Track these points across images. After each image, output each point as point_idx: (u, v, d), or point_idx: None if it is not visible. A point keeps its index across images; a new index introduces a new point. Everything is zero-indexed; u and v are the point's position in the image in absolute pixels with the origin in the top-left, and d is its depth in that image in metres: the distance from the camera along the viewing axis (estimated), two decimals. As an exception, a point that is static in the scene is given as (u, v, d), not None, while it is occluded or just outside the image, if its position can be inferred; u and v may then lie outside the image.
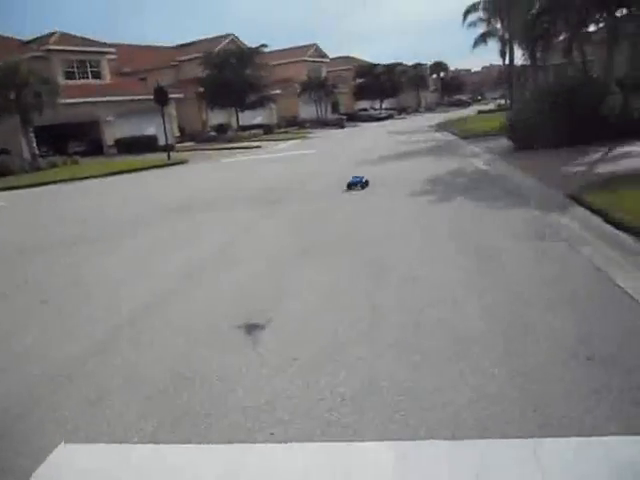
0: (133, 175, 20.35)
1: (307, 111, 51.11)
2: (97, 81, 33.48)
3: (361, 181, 11.23)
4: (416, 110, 66.36)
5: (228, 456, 2.81)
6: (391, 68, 59.07)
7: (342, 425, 2.95)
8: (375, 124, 46.39)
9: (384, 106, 59.85)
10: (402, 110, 62.04)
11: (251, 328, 4.38)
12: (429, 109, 68.37)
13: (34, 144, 25.92)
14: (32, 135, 25.86)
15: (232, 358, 3.89)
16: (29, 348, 4.49)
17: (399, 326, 4.19)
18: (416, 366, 3.52)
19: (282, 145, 29.53)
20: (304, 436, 2.89)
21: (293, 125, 46.97)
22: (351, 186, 11.09)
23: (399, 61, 63.34)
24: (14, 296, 6.10)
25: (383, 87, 56.67)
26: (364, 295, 4.97)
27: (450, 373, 3.39)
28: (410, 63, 67.58)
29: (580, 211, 7.56)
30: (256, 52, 38.94)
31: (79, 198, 15.42)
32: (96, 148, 31.92)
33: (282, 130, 43.03)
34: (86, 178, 19.85)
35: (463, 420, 2.89)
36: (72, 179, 19.76)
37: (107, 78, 34.39)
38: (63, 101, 26.02)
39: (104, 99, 31.52)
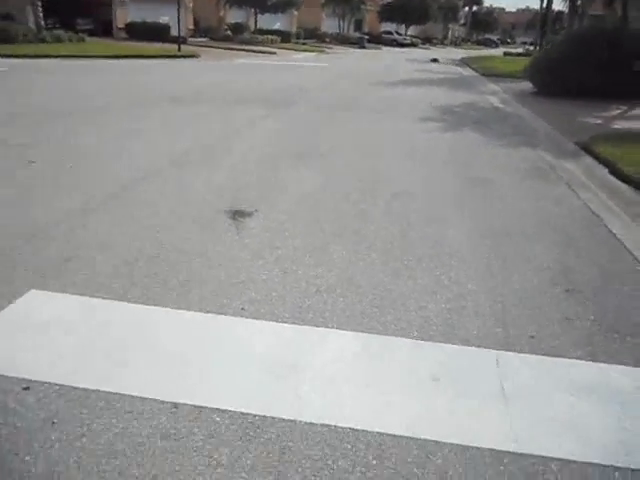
0: (140, 61, 19.64)
1: (329, 25, 49.11)
2: (114, -45, 31.64)
3: None
4: (442, 42, 63.92)
5: (194, 322, 2.82)
6: (423, -9, 56.24)
7: (312, 312, 2.96)
8: (397, 49, 44.78)
9: (409, 33, 57.47)
10: (427, 40, 59.72)
11: (236, 214, 4.33)
12: (455, 43, 65.80)
13: (40, 14, 24.73)
14: (39, 3, 24.59)
15: (213, 239, 3.86)
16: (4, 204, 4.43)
17: (384, 233, 4.15)
18: (396, 273, 3.51)
19: (298, 55, 28.48)
20: (274, 317, 2.90)
21: (312, 37, 45.21)
22: None
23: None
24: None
25: (411, 11, 54.09)
26: (353, 201, 4.90)
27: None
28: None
29: (587, 160, 7.40)
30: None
31: (82, 75, 14.91)
32: (105, 29, 30.71)
33: (301, 41, 41.39)
34: (91, 57, 19.16)
35: (432, 325, 2.89)
36: (76, 56, 19.05)
37: (125, -46, 32.48)
38: (76, -29, 24.65)
39: (119, -24, 29.92)
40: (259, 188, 5.16)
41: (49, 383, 2.26)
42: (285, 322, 2.87)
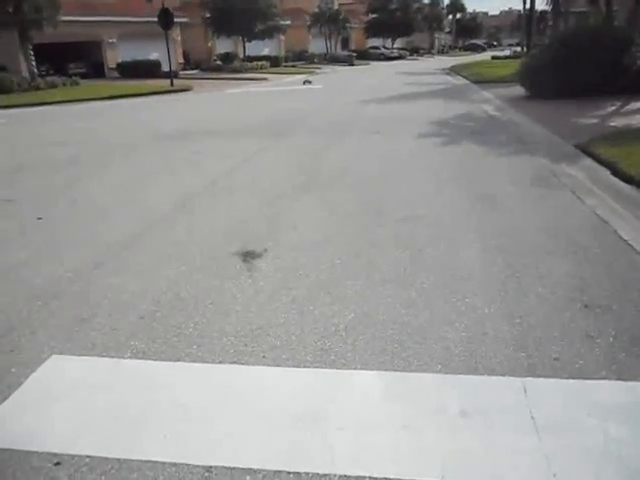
0: (134, 100, 19.89)
1: (316, 45, 49.66)
2: (100, -1, 32.13)
3: None
4: (429, 52, 64.55)
5: (218, 375, 2.82)
6: (407, 4, 56.86)
7: (334, 353, 2.96)
8: (386, 63, 45.17)
9: (396, 46, 58.04)
10: (414, 51, 60.35)
11: (247, 256, 4.34)
12: (442, 52, 66.40)
13: (33, 62, 25.09)
14: (31, 53, 24.97)
15: (228, 284, 3.86)
16: (22, 263, 4.46)
17: (395, 263, 4.15)
18: (411, 304, 3.51)
19: (289, 79, 28.75)
20: (295, 362, 2.90)
21: (301, 59, 45.72)
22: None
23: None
24: (9, 212, 6.02)
25: (396, 25, 54.70)
26: (362, 229, 4.91)
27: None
28: (426, 1, 64.99)
29: (588, 162, 7.41)
30: (267, -22, 37.25)
31: (77, 120, 15.10)
32: (97, 70, 31.13)
33: (290, 64, 41.85)
34: (86, 100, 19.42)
35: (455, 356, 2.88)
36: (71, 100, 19.31)
37: (111, -4, 32.98)
38: (64, 18, 24.95)
39: (107, 19, 30.40)
40: (266, 225, 5.18)
41: (79, 456, 2.25)
42: (308, 366, 2.86)
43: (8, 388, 2.78)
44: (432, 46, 68.19)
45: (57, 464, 2.21)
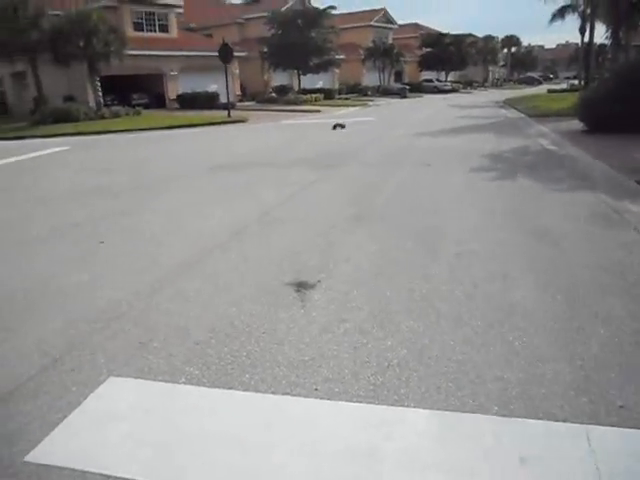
0: (192, 130, 20.62)
1: (369, 78, 50.32)
2: (164, 35, 33.72)
3: None
4: (482, 85, 64.29)
5: (270, 406, 2.83)
6: (460, 39, 57.02)
7: (387, 389, 2.92)
8: (439, 96, 45.21)
9: (449, 79, 58.12)
10: (468, 84, 60.22)
11: (300, 286, 4.38)
12: (497, 85, 66.01)
13: (100, 93, 26.59)
14: (98, 84, 26.47)
15: (281, 314, 3.90)
16: (84, 284, 4.64)
17: (449, 299, 4.09)
18: (467, 341, 3.43)
19: (342, 111, 29.18)
20: (348, 396, 2.88)
21: (354, 92, 46.33)
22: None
23: (469, 32, 60.87)
24: (75, 235, 6.30)
25: (450, 58, 54.85)
26: (416, 263, 4.87)
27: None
28: (481, 35, 64.98)
29: (653, 200, 7.14)
30: (323, 14, 38.22)
31: (136, 148, 15.76)
32: (158, 101, 32.50)
33: (343, 96, 42.50)
34: (146, 130, 20.28)
35: (513, 398, 2.79)
36: (132, 130, 20.24)
37: (174, 32, 34.58)
38: (130, 52, 26.44)
39: (169, 53, 31.83)
40: (319, 256, 5.20)
41: (132, 480, 2.31)
42: (360, 401, 2.83)
43: (68, 405, 2.88)
44: (486, 79, 67.90)
45: (113, 486, 2.26)
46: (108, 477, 2.36)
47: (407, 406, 2.77)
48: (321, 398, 2.87)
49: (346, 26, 49.15)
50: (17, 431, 2.70)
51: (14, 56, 24.28)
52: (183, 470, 2.38)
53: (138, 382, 3.10)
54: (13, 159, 13.61)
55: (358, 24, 52.26)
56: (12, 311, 4.15)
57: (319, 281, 4.48)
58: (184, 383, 3.06)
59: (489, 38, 67.68)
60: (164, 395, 2.98)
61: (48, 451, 2.56)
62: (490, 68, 69.77)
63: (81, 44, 24.21)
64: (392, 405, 2.79)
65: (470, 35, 60.54)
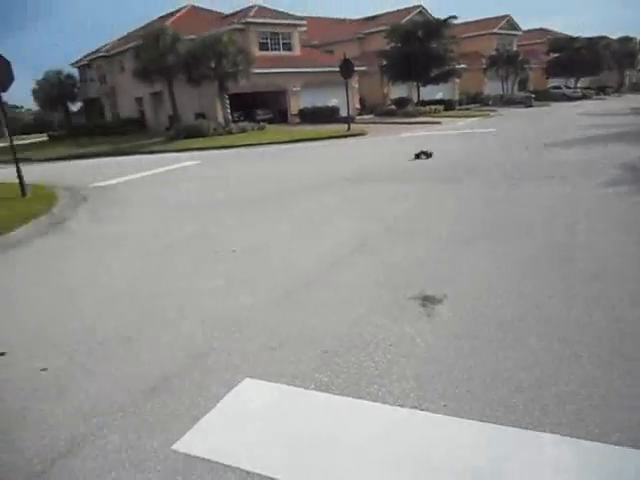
0: (314, 143, 21.27)
1: (491, 87, 48.71)
2: (287, 52, 35.17)
3: None
4: (617, 90, 59.49)
5: (399, 419, 2.86)
6: (593, 42, 53.21)
7: (519, 412, 2.83)
8: (568, 104, 42.65)
9: (579, 85, 54.52)
10: (600, 90, 55.97)
11: (426, 300, 4.37)
12: (635, 90, 60.90)
13: (228, 110, 28.39)
14: (227, 101, 28.28)
15: (407, 327, 3.92)
16: (219, 289, 4.99)
17: (585, 323, 3.86)
18: (606, 371, 3.23)
19: (462, 122, 28.52)
20: (477, 414, 2.83)
21: (475, 102, 45.07)
22: None
23: (602, 34, 56.57)
24: (206, 244, 6.79)
25: (581, 63, 51.40)
26: (544, 283, 4.65)
27: None
28: (615, 37, 60.18)
29: None
30: (444, 24, 37.66)
31: (260, 161, 16.58)
32: (281, 116, 33.95)
33: (463, 107, 41.53)
34: (271, 144, 21.27)
35: None
36: (257, 144, 21.35)
37: (297, 50, 35.93)
38: (256, 71, 27.99)
39: (293, 70, 33.12)
40: (445, 271, 5.14)
41: (267, 477, 2.46)
42: (489, 422, 2.78)
43: (209, 401, 3.13)
44: (621, 84, 62.75)
45: (252, 482, 2.42)
46: (248, 473, 2.53)
47: (541, 430, 2.67)
48: (449, 415, 2.85)
49: (468, 34, 48.11)
50: (165, 422, 2.98)
51: (153, 78, 26.76)
52: (316, 473, 2.48)
53: (271, 385, 3.29)
54: (162, 169, 14.97)
55: (481, 32, 50.88)
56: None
57: (445, 295, 4.44)
58: (314, 389, 3.19)
59: (626, 39, 62.53)
60: (296, 399, 3.12)
61: (192, 443, 2.80)
62: (627, 72, 64.40)
63: (212, 65, 26.06)
64: (523, 428, 2.70)
65: (604, 37, 56.29)
